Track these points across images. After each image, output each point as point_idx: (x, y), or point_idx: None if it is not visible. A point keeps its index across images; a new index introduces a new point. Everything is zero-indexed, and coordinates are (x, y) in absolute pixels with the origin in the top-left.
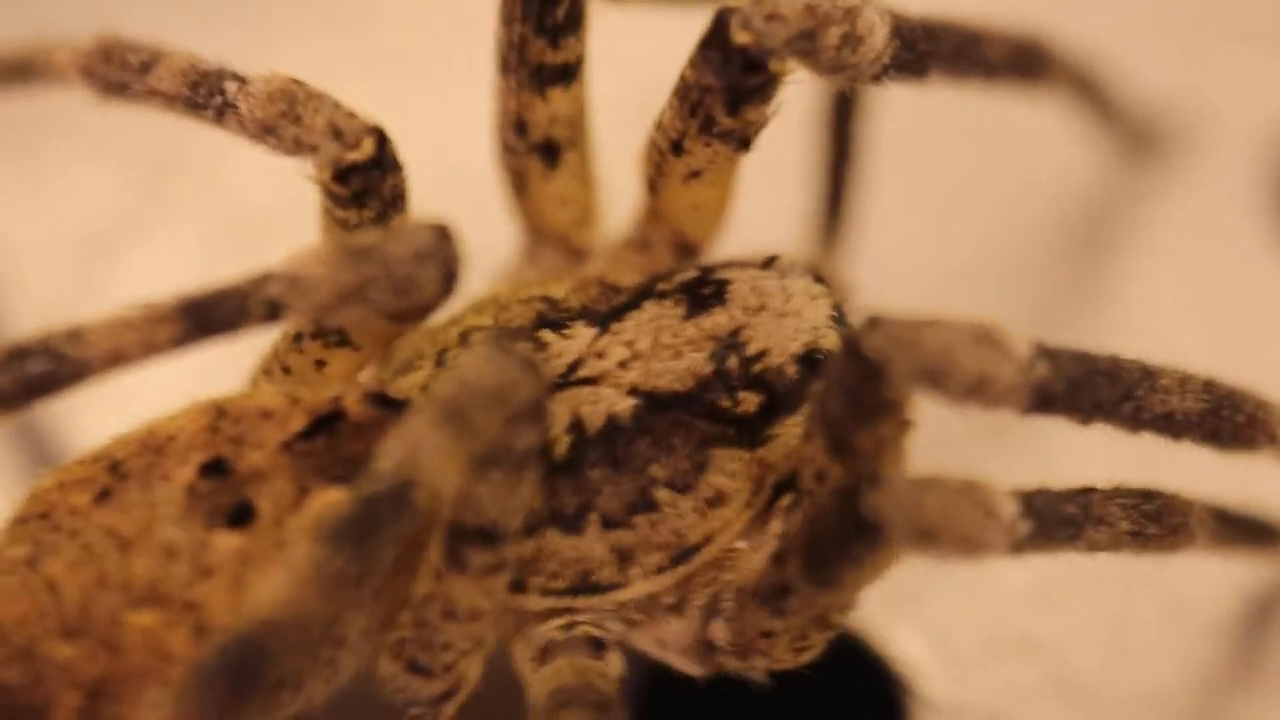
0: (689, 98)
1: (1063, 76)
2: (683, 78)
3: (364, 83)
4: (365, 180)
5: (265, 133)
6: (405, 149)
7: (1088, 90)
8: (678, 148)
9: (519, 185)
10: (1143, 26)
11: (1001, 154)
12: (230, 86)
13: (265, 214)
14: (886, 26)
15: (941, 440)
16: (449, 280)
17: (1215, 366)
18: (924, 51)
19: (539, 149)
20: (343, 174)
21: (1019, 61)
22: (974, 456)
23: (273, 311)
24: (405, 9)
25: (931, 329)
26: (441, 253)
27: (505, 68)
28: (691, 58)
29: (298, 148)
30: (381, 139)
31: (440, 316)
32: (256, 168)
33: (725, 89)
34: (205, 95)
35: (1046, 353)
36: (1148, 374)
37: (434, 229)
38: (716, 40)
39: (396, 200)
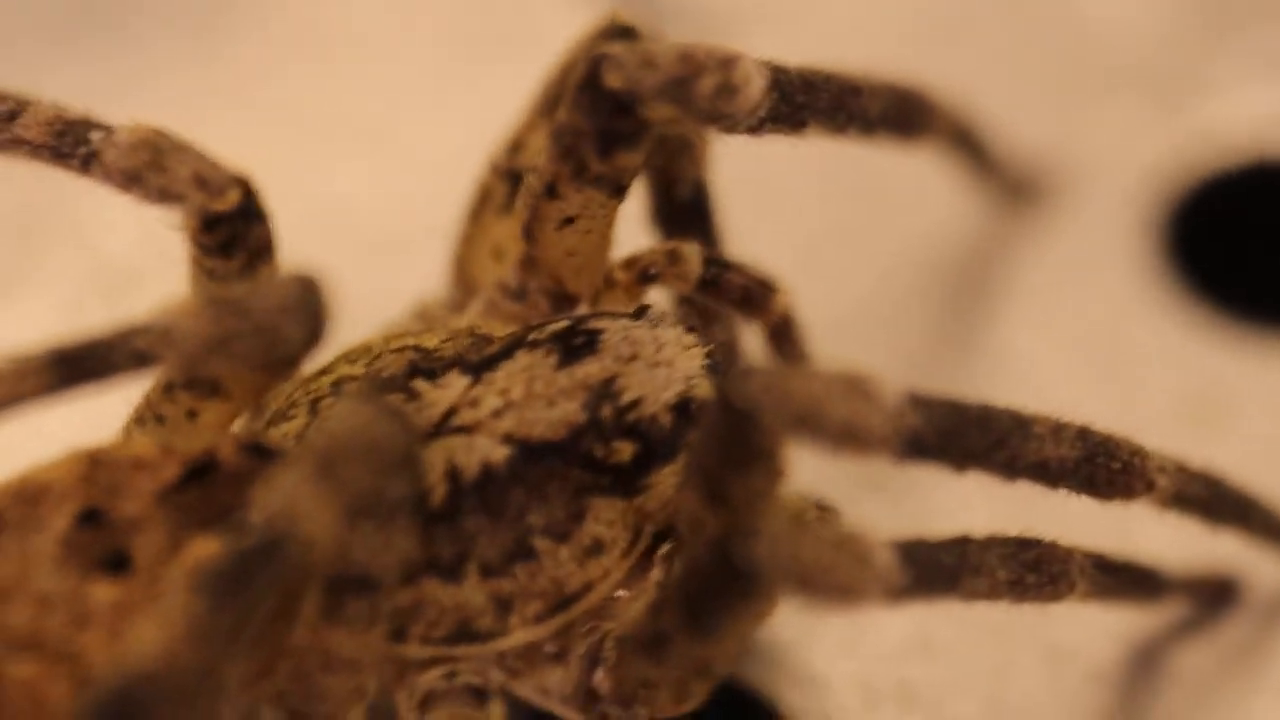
0: (562, 140)
1: (941, 128)
2: (557, 120)
3: (234, 119)
4: (231, 230)
5: (130, 182)
6: (276, 190)
7: (965, 141)
8: (551, 191)
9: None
10: (1018, 78)
11: (880, 204)
12: (95, 136)
13: (132, 263)
14: (764, 78)
15: (820, 491)
16: (315, 332)
17: (1092, 412)
18: (802, 104)
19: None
20: (209, 224)
21: (898, 113)
22: (853, 506)
23: (141, 362)
24: (277, 46)
25: (802, 379)
26: (308, 304)
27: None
28: (566, 100)
29: (163, 197)
30: (247, 189)
31: (314, 365)
32: (124, 217)
33: (596, 132)
34: (71, 144)
35: (917, 401)
36: (1020, 422)
37: (300, 280)
38: (590, 83)
39: (263, 250)
